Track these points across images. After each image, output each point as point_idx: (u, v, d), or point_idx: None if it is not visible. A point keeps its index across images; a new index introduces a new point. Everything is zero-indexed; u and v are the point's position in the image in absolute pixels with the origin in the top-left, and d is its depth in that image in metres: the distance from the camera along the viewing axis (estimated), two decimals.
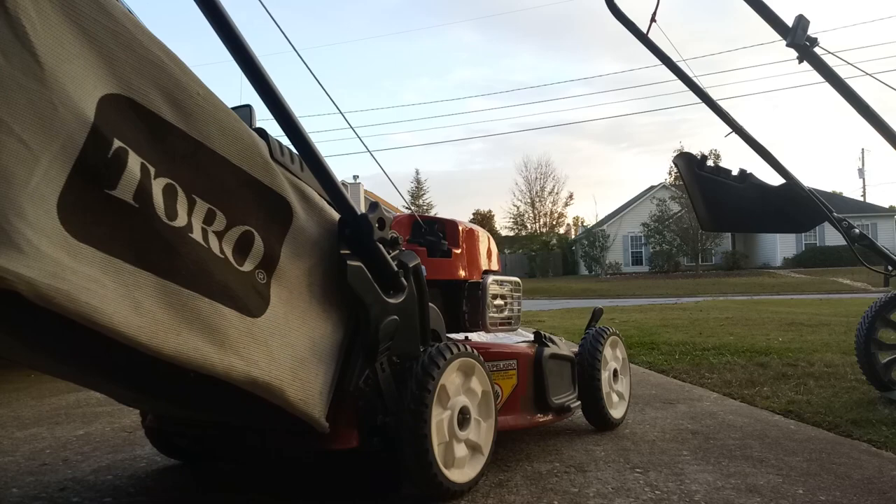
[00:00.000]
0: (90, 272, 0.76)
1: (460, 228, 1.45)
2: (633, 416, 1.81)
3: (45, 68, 0.74)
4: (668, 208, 33.29)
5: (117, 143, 0.79)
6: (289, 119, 1.00)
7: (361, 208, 1.07)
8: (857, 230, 2.05)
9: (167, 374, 0.85)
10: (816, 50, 1.90)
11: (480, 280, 1.49)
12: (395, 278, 1.10)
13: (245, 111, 3.89)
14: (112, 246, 0.79)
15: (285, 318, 0.97)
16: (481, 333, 1.48)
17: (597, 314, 1.77)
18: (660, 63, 2.23)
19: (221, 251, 0.90)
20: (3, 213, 0.69)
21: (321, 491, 1.19)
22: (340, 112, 1.30)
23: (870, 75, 2.04)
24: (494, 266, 1.53)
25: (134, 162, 0.80)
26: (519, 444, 1.50)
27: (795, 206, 2.10)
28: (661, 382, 2.43)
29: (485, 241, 1.54)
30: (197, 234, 0.87)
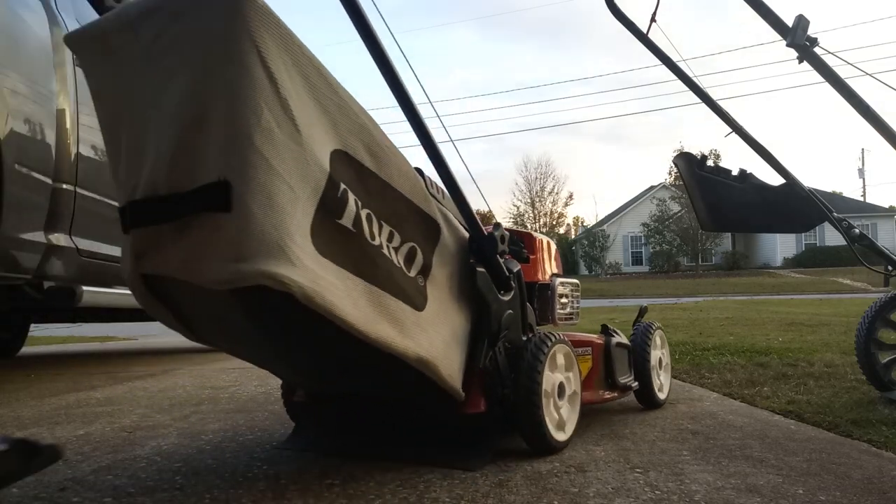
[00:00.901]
0: (330, 279, 1.04)
1: (535, 239, 1.77)
2: (633, 416, 1.81)
3: (302, 133, 1.02)
4: (668, 208, 33.26)
5: (342, 186, 1.08)
6: (438, 156, 1.31)
7: None
8: (857, 230, 2.05)
9: (365, 354, 1.14)
10: (816, 50, 1.90)
11: (549, 282, 1.78)
12: (507, 281, 1.42)
13: None
14: (340, 259, 1.07)
15: (437, 312, 1.26)
16: (550, 326, 1.75)
17: (643, 311, 2.08)
18: (660, 63, 2.23)
19: (398, 262, 1.19)
20: (282, 238, 0.96)
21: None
22: (431, 102, 1.50)
23: (870, 75, 2.04)
24: (556, 269, 1.82)
25: (351, 199, 1.10)
26: (519, 443, 1.50)
27: (795, 206, 2.10)
28: None
29: (552, 248, 1.86)
30: (385, 250, 1.16)
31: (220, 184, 0.95)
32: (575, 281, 1.86)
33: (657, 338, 2.01)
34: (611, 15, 2.20)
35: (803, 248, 36.36)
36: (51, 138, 2.20)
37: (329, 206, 1.05)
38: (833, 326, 5.12)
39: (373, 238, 1.13)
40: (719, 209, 2.23)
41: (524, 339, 1.45)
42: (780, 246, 36.78)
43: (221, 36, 0.96)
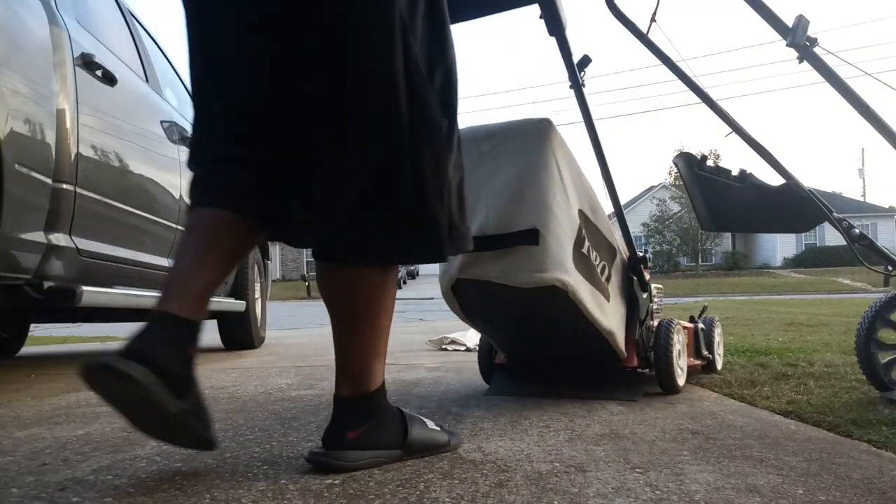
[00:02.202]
0: (580, 283, 1.77)
1: None
2: (632, 417, 1.81)
3: (570, 202, 1.78)
4: (668, 208, 33.27)
5: (582, 231, 1.81)
6: (616, 198, 2.19)
7: None
8: (857, 230, 2.04)
9: (579, 327, 1.86)
10: (816, 50, 1.89)
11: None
12: (647, 286, 2.14)
13: None
14: (582, 272, 1.79)
15: (614, 303, 1.96)
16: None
17: (704, 308, 2.77)
18: (660, 63, 2.23)
19: (599, 273, 1.89)
20: (563, 260, 1.71)
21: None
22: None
23: (870, 75, 2.04)
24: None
25: (586, 237, 1.82)
26: (519, 444, 1.50)
27: (795, 206, 2.10)
28: None
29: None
30: (596, 266, 1.88)
31: (533, 230, 1.70)
32: (660, 285, 2.40)
33: (718, 326, 2.75)
34: (611, 15, 2.20)
35: (803, 248, 36.35)
36: (51, 138, 2.20)
37: (578, 242, 1.79)
38: (833, 326, 5.12)
39: (592, 259, 1.86)
40: (719, 209, 2.22)
41: (655, 322, 2.17)
42: (780, 246, 36.76)
43: (537, 150, 1.73)
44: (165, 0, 5.95)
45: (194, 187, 1.28)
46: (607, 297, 1.91)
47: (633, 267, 2.09)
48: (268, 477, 1.25)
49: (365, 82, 1.15)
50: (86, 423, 1.82)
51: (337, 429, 1.27)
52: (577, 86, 2.04)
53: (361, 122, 1.16)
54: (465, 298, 1.90)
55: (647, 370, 2.14)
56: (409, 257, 1.26)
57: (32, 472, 1.30)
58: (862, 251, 2.04)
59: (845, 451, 1.43)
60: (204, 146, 1.29)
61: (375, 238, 1.18)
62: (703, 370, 2.62)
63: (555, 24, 1.92)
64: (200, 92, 1.28)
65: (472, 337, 4.25)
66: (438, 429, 1.41)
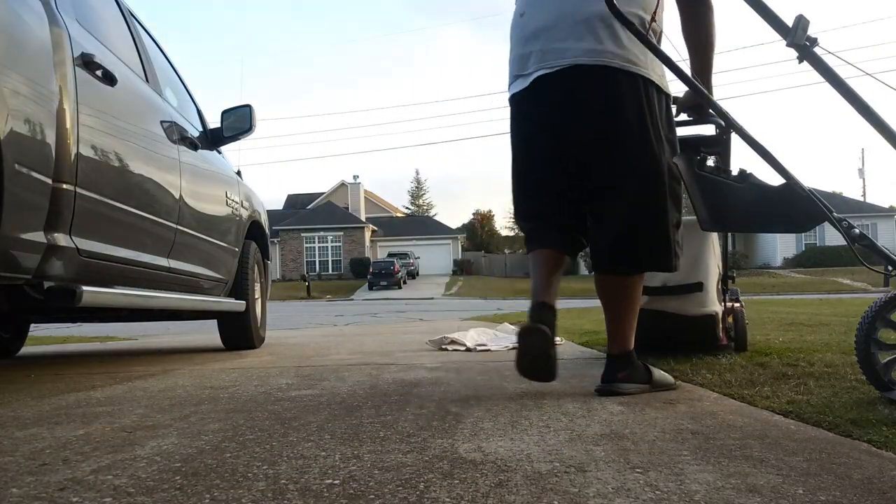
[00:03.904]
0: (719, 307, 3.10)
1: None
2: (633, 417, 1.81)
3: (718, 265, 3.12)
4: None
5: (719, 277, 3.11)
6: (724, 244, 3.41)
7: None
8: (857, 230, 2.04)
9: (708, 329, 3.03)
10: (816, 50, 1.89)
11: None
12: (729, 279, 3.18)
13: (245, 110, 3.95)
14: (718, 299, 3.09)
15: (721, 308, 3.04)
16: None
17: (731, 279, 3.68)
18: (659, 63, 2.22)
19: (719, 293, 3.07)
20: (715, 297, 3.05)
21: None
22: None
23: (870, 75, 2.04)
24: None
25: (720, 279, 3.13)
26: (519, 444, 1.50)
27: (795, 206, 2.09)
28: None
29: None
30: (719, 290, 3.10)
31: (699, 283, 2.86)
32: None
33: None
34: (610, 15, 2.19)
35: (803, 248, 36.34)
36: (51, 138, 2.20)
37: (717, 282, 2.82)
38: (833, 326, 5.12)
39: (719, 287, 2.87)
40: (719, 209, 2.22)
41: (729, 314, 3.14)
42: (780, 246, 36.75)
43: (703, 236, 2.83)
44: (165, 0, 5.94)
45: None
46: (721, 305, 3.02)
47: (725, 281, 3.18)
48: (268, 477, 1.25)
49: (632, 180, 2.14)
50: (86, 423, 1.82)
51: (611, 373, 2.14)
52: None
53: (625, 198, 2.12)
54: (643, 320, 2.56)
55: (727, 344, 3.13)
56: (655, 269, 2.25)
57: (32, 472, 1.30)
58: (862, 251, 2.04)
59: (845, 451, 1.43)
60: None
61: (637, 259, 2.15)
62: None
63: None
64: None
65: (471, 337, 4.25)
66: (668, 374, 2.30)
